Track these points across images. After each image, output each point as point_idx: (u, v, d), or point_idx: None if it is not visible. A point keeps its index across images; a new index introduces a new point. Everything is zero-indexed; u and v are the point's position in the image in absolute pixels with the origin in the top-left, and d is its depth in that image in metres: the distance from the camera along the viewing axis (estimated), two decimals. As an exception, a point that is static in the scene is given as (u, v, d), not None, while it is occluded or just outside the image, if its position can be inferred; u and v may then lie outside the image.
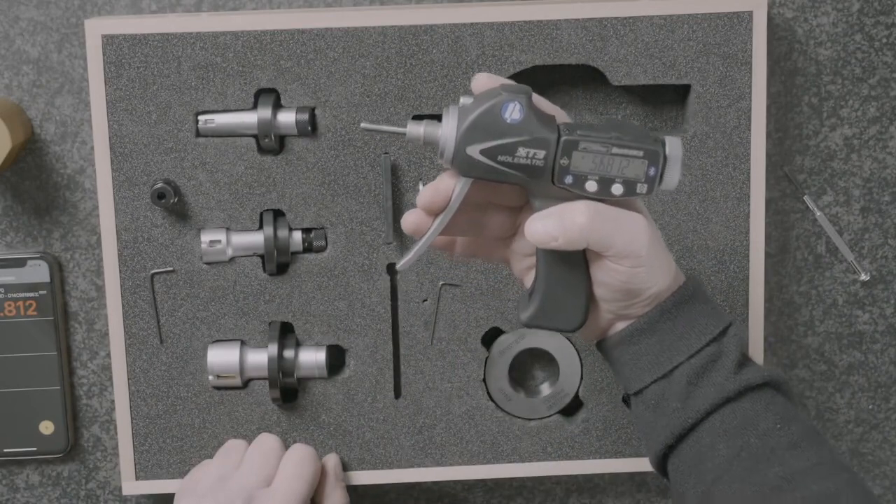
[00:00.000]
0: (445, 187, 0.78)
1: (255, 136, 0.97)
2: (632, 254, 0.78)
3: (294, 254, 0.98)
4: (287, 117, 0.96)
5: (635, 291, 0.79)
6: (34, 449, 1.03)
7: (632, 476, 1.07)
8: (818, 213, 1.04)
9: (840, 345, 1.06)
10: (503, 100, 0.76)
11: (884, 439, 1.08)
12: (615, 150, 0.77)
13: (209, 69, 0.95)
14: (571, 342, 1.01)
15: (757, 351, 1.00)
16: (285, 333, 0.99)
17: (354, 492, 1.03)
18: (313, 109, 0.97)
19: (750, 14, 0.96)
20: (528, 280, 0.83)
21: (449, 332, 1.00)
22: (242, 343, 0.99)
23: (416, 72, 0.96)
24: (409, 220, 0.80)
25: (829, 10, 1.01)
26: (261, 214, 0.98)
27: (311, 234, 0.98)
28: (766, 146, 1.01)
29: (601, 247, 0.77)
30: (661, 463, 0.83)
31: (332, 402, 1.00)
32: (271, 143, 0.96)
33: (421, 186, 0.98)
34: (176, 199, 0.95)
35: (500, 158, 0.76)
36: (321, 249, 0.99)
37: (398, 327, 1.00)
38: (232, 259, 0.98)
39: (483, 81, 0.79)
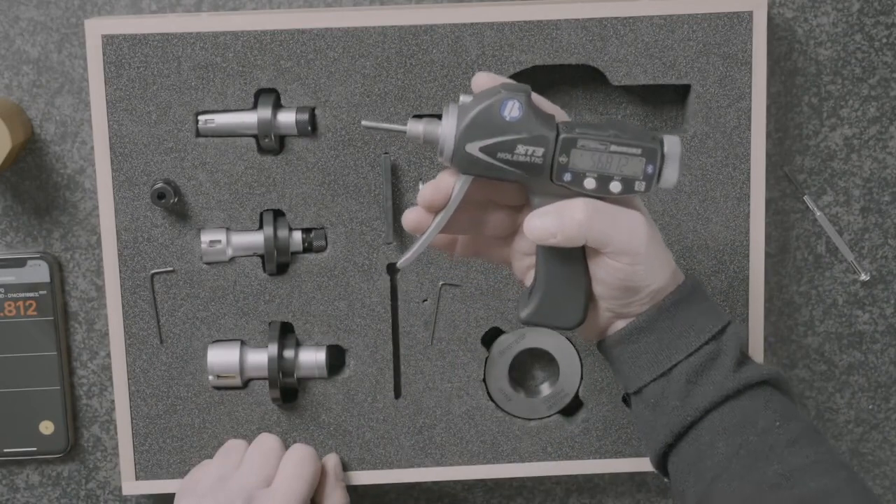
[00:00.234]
0: (445, 185, 0.79)
1: (255, 136, 0.97)
2: (630, 250, 0.78)
3: (294, 254, 0.98)
4: (287, 117, 0.96)
5: (634, 289, 0.79)
6: (34, 449, 1.03)
7: (632, 476, 1.07)
8: (818, 213, 1.04)
9: (840, 345, 1.06)
10: (502, 98, 0.77)
11: (884, 439, 1.08)
12: (613, 147, 0.77)
13: (209, 69, 0.95)
14: (571, 342, 1.01)
15: (757, 351, 1.00)
16: (285, 333, 0.99)
17: (354, 492, 1.03)
18: (313, 109, 0.97)
19: (750, 14, 0.96)
20: (529, 279, 0.84)
21: (449, 332, 1.00)
22: (242, 343, 0.99)
23: (416, 72, 0.96)
24: (410, 217, 0.80)
25: (829, 10, 1.01)
26: (261, 214, 0.98)
27: (311, 234, 0.98)
28: (766, 146, 1.01)
29: (599, 243, 0.78)
30: (662, 462, 0.83)
31: (332, 402, 1.00)
32: (271, 143, 0.96)
33: (421, 186, 0.98)
34: (176, 199, 0.95)
35: (500, 156, 0.77)
36: (321, 249, 0.99)
37: (398, 327, 1.00)
38: (232, 259, 0.98)
39: (483, 80, 0.79)
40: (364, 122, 0.81)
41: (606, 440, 1.01)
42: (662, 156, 0.78)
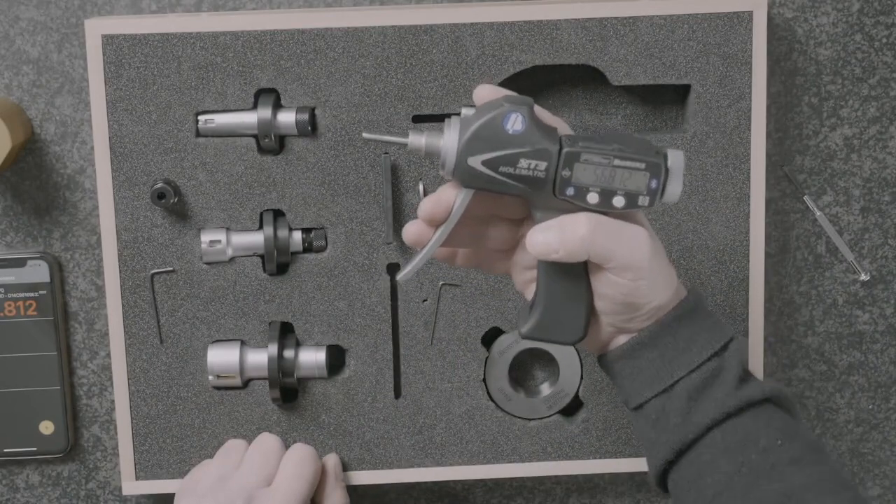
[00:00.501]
0: (447, 198, 0.78)
1: (255, 136, 0.97)
2: (633, 266, 0.77)
3: (294, 254, 0.98)
4: (287, 117, 0.96)
5: (636, 305, 0.79)
6: (34, 449, 1.03)
7: (632, 476, 1.07)
8: (818, 213, 1.04)
9: (840, 345, 1.06)
10: (505, 111, 0.76)
11: (884, 439, 1.08)
12: (617, 162, 0.76)
13: (209, 69, 0.95)
14: (571, 342, 1.01)
15: (757, 351, 1.00)
16: (285, 333, 0.99)
17: (354, 492, 1.03)
18: (313, 109, 0.97)
19: (750, 14, 0.96)
20: (530, 293, 0.83)
21: (449, 332, 1.00)
22: (242, 343, 0.99)
23: (416, 72, 0.96)
24: (411, 231, 0.80)
25: (829, 10, 1.01)
26: (261, 214, 0.98)
27: (311, 234, 0.98)
28: (766, 146, 1.01)
29: (602, 259, 0.77)
30: (662, 478, 0.83)
31: (332, 402, 1.00)
32: (271, 143, 0.96)
33: (421, 187, 0.98)
34: (176, 199, 0.95)
35: (502, 169, 0.76)
36: (321, 249, 0.99)
37: (398, 327, 1.00)
38: (232, 259, 0.98)
39: (485, 93, 0.79)
40: (365, 135, 0.80)
41: (606, 440, 1.01)
42: (666, 170, 0.77)
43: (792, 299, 1.05)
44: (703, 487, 0.79)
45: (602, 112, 1.01)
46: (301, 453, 0.96)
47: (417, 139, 0.78)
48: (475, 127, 0.76)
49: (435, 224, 0.79)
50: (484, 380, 1.01)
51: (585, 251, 0.77)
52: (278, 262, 0.98)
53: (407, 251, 0.98)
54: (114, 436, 1.05)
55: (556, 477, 1.07)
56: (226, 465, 0.95)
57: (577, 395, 1.02)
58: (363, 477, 1.01)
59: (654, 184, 0.77)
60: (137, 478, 1.00)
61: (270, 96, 0.96)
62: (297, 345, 0.99)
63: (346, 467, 1.01)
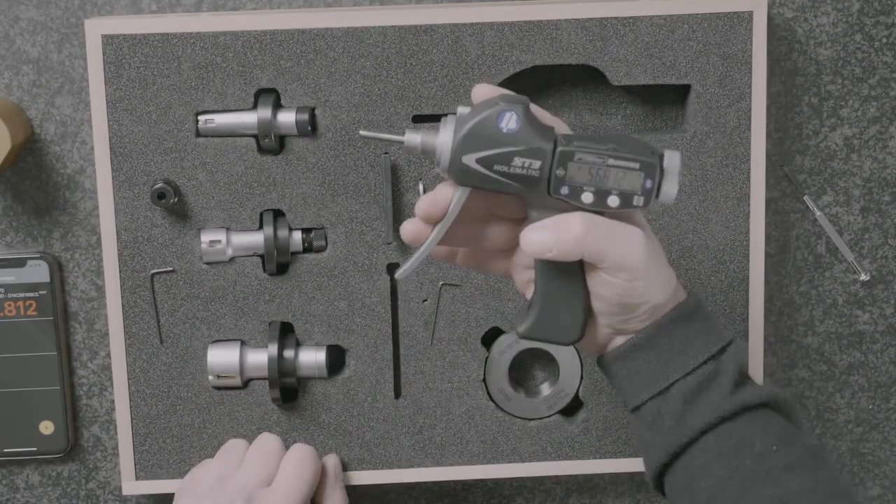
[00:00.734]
0: (444, 196, 0.78)
1: (255, 136, 0.97)
2: (627, 266, 0.77)
3: (294, 254, 0.98)
4: (287, 117, 0.96)
5: (632, 305, 0.79)
6: (34, 449, 1.03)
7: (632, 476, 1.07)
8: (818, 213, 1.04)
9: (840, 345, 1.06)
10: (500, 109, 0.76)
11: (884, 439, 1.08)
12: (611, 161, 0.76)
13: (209, 69, 0.95)
14: (571, 342, 1.01)
15: (757, 351, 1.00)
16: (285, 333, 0.99)
17: (354, 492, 1.03)
18: (313, 109, 0.97)
19: (750, 14, 0.96)
20: (530, 293, 0.83)
21: (449, 332, 1.00)
22: (242, 343, 0.99)
23: (416, 72, 0.96)
24: (408, 228, 0.80)
25: (829, 10, 1.01)
26: (261, 214, 0.98)
27: (311, 234, 0.98)
28: (766, 146, 1.01)
29: (596, 259, 0.77)
30: (658, 481, 0.83)
31: (332, 402, 1.00)
32: (271, 143, 0.96)
33: (421, 187, 0.98)
34: (176, 199, 0.95)
35: (496, 168, 0.76)
36: (321, 249, 0.99)
37: (398, 327, 1.00)
38: (232, 259, 0.98)
39: (483, 91, 0.79)
40: (362, 132, 0.80)
41: (606, 440, 1.01)
42: (661, 171, 0.77)
43: (792, 299, 1.05)
44: (697, 491, 0.79)
45: (602, 112, 1.01)
46: (301, 453, 0.96)
47: (413, 137, 0.78)
48: (470, 125, 0.76)
49: (432, 222, 0.79)
50: (484, 380, 1.01)
51: (579, 251, 0.77)
52: (278, 262, 0.98)
53: (407, 251, 0.98)
54: (114, 436, 1.05)
55: (556, 477, 1.07)
56: (226, 465, 0.95)
57: (577, 395, 1.02)
58: (363, 477, 1.01)
59: (648, 184, 0.77)
60: (137, 478, 1.00)
61: (270, 96, 0.96)
62: (297, 345, 0.99)
63: (345, 467, 1.01)
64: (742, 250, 0.99)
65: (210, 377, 0.99)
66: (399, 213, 0.98)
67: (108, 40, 0.95)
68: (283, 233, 0.98)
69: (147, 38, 0.95)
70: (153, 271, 0.98)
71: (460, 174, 0.77)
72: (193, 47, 0.95)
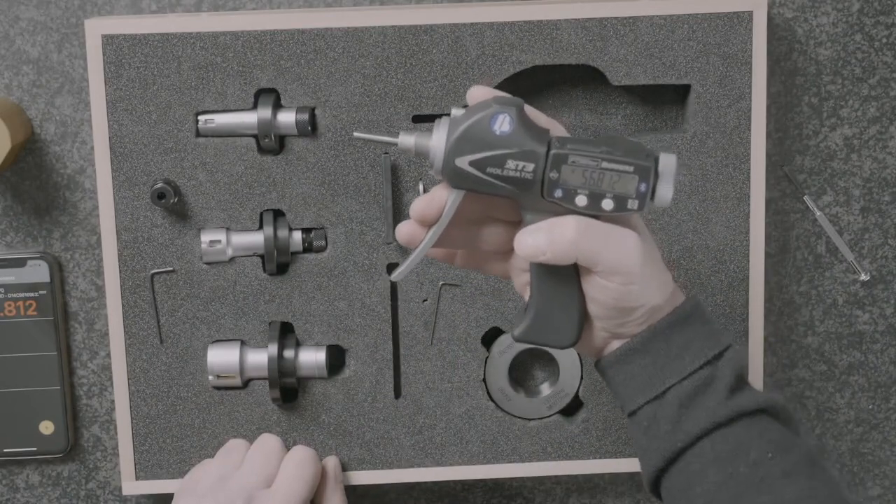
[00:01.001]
0: (439, 198, 0.78)
1: (255, 136, 0.97)
2: (622, 270, 0.77)
3: (294, 254, 0.98)
4: (287, 117, 0.96)
5: (628, 309, 0.79)
6: (34, 449, 1.03)
7: (632, 476, 1.07)
8: (818, 213, 1.04)
9: (840, 345, 1.06)
10: (493, 111, 0.76)
11: (884, 439, 1.08)
12: (605, 164, 0.76)
13: (209, 69, 0.95)
14: (571, 342, 1.01)
15: (757, 351, 1.00)
16: (285, 333, 0.99)
17: (354, 492, 1.03)
18: (313, 109, 0.97)
19: (750, 14, 0.96)
20: (528, 296, 0.83)
21: (449, 332, 1.00)
22: (242, 343, 0.99)
23: (416, 72, 0.96)
24: (404, 231, 0.80)
25: (829, 10, 1.01)
26: (261, 214, 0.98)
27: (311, 234, 0.98)
28: (766, 146, 1.01)
29: (590, 262, 0.77)
30: (655, 486, 0.82)
31: (332, 402, 1.00)
32: (271, 143, 0.96)
33: (421, 187, 0.98)
34: (176, 199, 0.95)
35: (489, 170, 0.76)
36: (321, 249, 0.99)
37: (398, 327, 1.00)
38: (232, 259, 0.98)
39: (478, 93, 0.79)
40: (356, 134, 0.80)
41: (606, 440, 1.01)
42: (656, 174, 0.77)
43: (792, 299, 1.05)
44: (693, 497, 0.78)
45: (602, 112, 1.01)
46: (302, 455, 0.96)
47: (407, 139, 0.78)
48: (463, 127, 0.76)
49: (427, 224, 0.79)
50: (484, 380, 1.01)
51: (573, 254, 0.76)
52: (278, 262, 0.98)
53: (407, 252, 0.98)
54: (114, 436, 1.05)
55: (556, 477, 1.07)
56: (226, 465, 0.95)
57: (577, 395, 1.02)
58: (363, 477, 1.01)
59: (643, 187, 0.76)
60: (137, 478, 1.00)
61: (270, 96, 0.96)
62: (297, 345, 0.99)
63: (345, 467, 1.01)
64: (742, 250, 0.99)
65: (210, 377, 0.99)
66: (399, 213, 0.98)
67: (108, 40, 0.95)
68: (283, 233, 0.98)
69: (147, 38, 0.95)
70: (153, 271, 0.98)
71: (454, 176, 0.77)
72: (193, 47, 0.95)
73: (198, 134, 0.97)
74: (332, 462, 0.99)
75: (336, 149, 0.97)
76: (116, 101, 0.96)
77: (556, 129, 0.80)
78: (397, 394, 1.01)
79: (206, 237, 0.97)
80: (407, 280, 0.99)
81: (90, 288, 1.03)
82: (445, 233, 0.79)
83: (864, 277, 1.05)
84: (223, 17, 0.96)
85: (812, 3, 1.01)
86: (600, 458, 1.02)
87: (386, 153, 0.97)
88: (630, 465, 1.02)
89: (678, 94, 1.00)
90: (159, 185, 0.95)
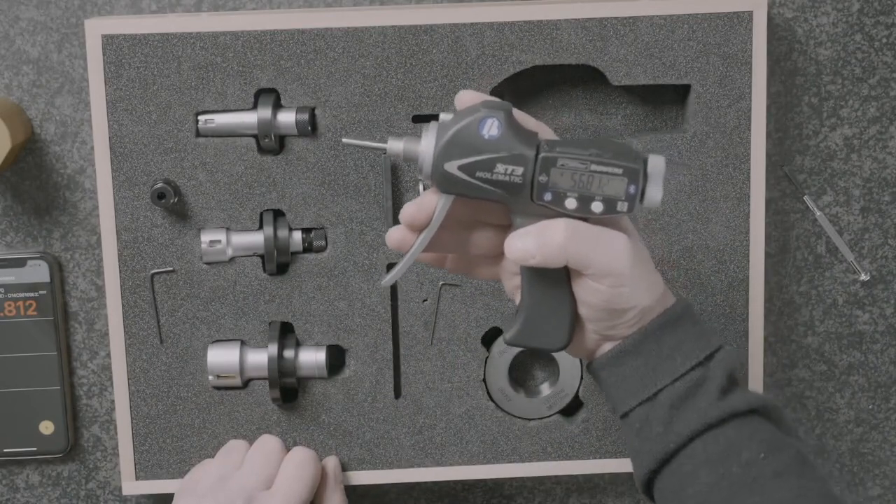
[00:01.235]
0: (428, 203, 0.78)
1: (255, 136, 0.97)
2: (612, 272, 0.77)
3: (294, 254, 0.98)
4: (287, 117, 0.96)
5: (619, 311, 0.79)
6: (34, 449, 1.03)
7: (632, 476, 1.07)
8: (818, 213, 1.04)
9: (840, 345, 1.06)
10: (481, 116, 0.76)
11: (884, 439, 1.08)
12: (594, 167, 0.76)
13: (209, 69, 0.95)
14: (571, 342, 1.01)
15: (757, 351, 1.00)
16: (285, 333, 0.99)
17: (354, 492, 1.03)
18: (313, 109, 0.97)
19: (750, 14, 0.96)
20: (519, 299, 0.83)
21: (449, 332, 1.00)
22: (242, 343, 0.99)
23: (416, 72, 0.96)
24: (394, 236, 0.80)
25: (829, 10, 1.01)
26: (261, 214, 0.98)
27: (311, 234, 0.98)
28: (766, 146, 1.01)
29: (580, 265, 0.77)
30: (647, 487, 0.82)
31: (332, 402, 1.00)
32: (271, 143, 0.96)
33: (421, 186, 0.98)
34: (176, 199, 0.95)
35: (479, 175, 0.76)
36: (321, 249, 0.99)
37: (398, 327, 1.00)
38: (232, 259, 0.98)
39: (467, 98, 0.79)
40: (344, 140, 0.80)
41: (606, 440, 1.01)
42: (645, 175, 0.77)
43: (792, 299, 1.05)
44: (685, 499, 0.78)
45: (602, 112, 1.01)
46: (302, 456, 0.96)
47: (396, 144, 0.78)
48: (451, 132, 0.76)
49: (417, 229, 0.79)
50: (484, 380, 1.01)
51: (563, 257, 0.76)
52: (278, 262, 0.98)
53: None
54: (114, 436, 1.05)
55: (556, 477, 1.07)
56: (226, 466, 0.95)
57: (577, 395, 1.02)
58: (363, 477, 1.01)
59: (632, 189, 0.76)
60: (137, 478, 1.00)
61: (270, 96, 0.96)
62: (297, 345, 0.99)
63: (345, 467, 1.01)
64: (742, 250, 0.99)
65: (210, 377, 0.99)
66: (399, 213, 0.98)
67: (108, 40, 0.95)
68: (283, 233, 0.98)
69: (147, 38, 0.95)
70: (153, 271, 0.98)
71: (443, 181, 0.77)
72: (193, 47, 0.95)
73: (198, 134, 0.97)
74: (332, 462, 0.99)
75: (336, 149, 0.97)
76: (116, 101, 0.96)
77: (545, 132, 0.80)
78: (397, 394, 1.01)
79: (206, 237, 0.97)
80: (407, 280, 0.99)
81: (90, 288, 1.03)
82: (435, 237, 0.79)
83: (864, 277, 1.05)
84: (223, 17, 0.96)
85: (812, 3, 1.01)
86: (600, 458, 1.02)
87: (385, 153, 0.97)
88: (630, 465, 1.02)
89: (678, 94, 1.00)
90: (159, 185, 0.95)
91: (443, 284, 0.99)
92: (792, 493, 0.76)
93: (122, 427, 0.99)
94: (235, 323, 0.99)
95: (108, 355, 1.03)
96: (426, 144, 0.76)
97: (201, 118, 0.96)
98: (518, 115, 0.78)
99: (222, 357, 0.98)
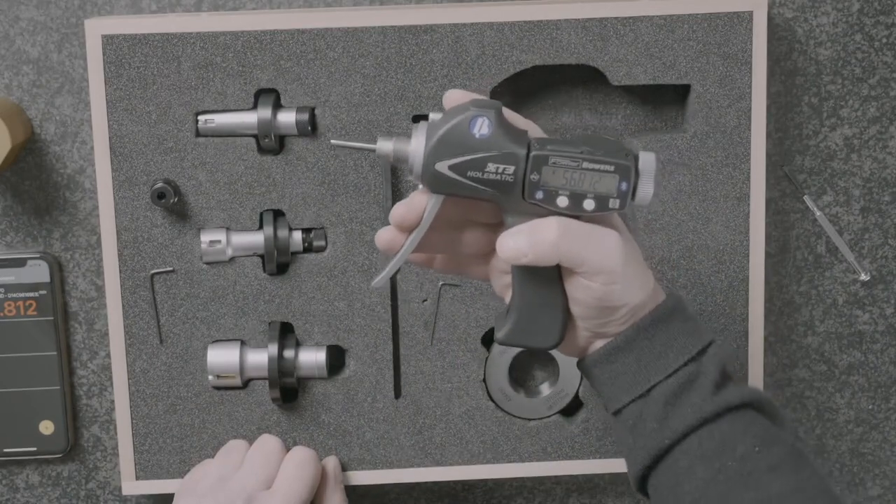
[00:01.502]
0: (418, 204, 0.78)
1: (255, 136, 0.97)
2: (604, 270, 0.77)
3: (294, 254, 0.98)
4: (287, 117, 0.96)
5: (611, 308, 0.79)
6: (34, 449, 1.03)
7: (632, 476, 1.07)
8: (818, 213, 1.04)
9: (840, 345, 1.06)
10: (471, 115, 0.76)
11: (884, 439, 1.08)
12: (586, 164, 0.76)
13: (209, 69, 0.95)
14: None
15: (757, 351, 1.00)
16: (285, 333, 0.99)
17: (354, 492, 1.03)
18: (313, 109, 0.97)
19: (750, 14, 0.96)
20: (509, 297, 0.83)
21: (449, 332, 1.00)
22: (242, 343, 0.99)
23: (416, 72, 0.96)
24: (383, 238, 0.79)
25: (829, 10, 1.01)
26: (261, 214, 0.98)
27: (311, 234, 0.98)
28: (766, 146, 1.01)
29: (573, 263, 0.77)
30: (642, 484, 0.82)
31: (332, 402, 1.00)
32: (271, 143, 0.96)
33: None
34: (176, 199, 0.96)
35: (470, 174, 0.76)
36: (321, 249, 0.99)
37: (398, 327, 1.00)
38: (232, 259, 0.98)
39: (455, 97, 0.78)
40: (332, 141, 0.80)
41: (606, 440, 1.01)
42: (637, 172, 0.77)
43: (792, 299, 1.05)
44: (681, 494, 0.78)
45: (602, 112, 1.01)
46: (302, 455, 0.96)
47: (385, 145, 0.77)
48: (442, 132, 0.76)
49: (406, 230, 0.79)
50: (484, 380, 1.01)
51: (555, 256, 0.76)
52: (278, 262, 0.98)
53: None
54: (114, 436, 1.05)
55: (556, 477, 1.07)
56: (226, 466, 0.95)
57: (577, 395, 1.02)
58: (363, 477, 1.01)
59: (623, 186, 0.76)
60: (137, 478, 1.00)
61: (270, 96, 0.96)
62: (297, 345, 0.99)
63: (345, 467, 1.01)
64: (742, 250, 0.99)
65: (210, 377, 0.99)
66: (398, 213, 0.98)
67: (108, 40, 0.95)
68: (283, 233, 0.98)
69: (147, 38, 0.95)
70: (153, 271, 0.98)
71: (433, 181, 0.76)
72: (193, 47, 0.95)
73: (198, 134, 0.97)
74: (332, 462, 0.99)
75: (336, 149, 0.97)
76: (116, 101, 0.96)
77: (534, 130, 0.80)
78: (397, 394, 1.01)
79: (206, 237, 0.97)
80: (407, 280, 0.99)
81: (90, 288, 1.03)
82: (425, 237, 0.79)
83: (864, 277, 1.05)
84: (223, 17, 0.96)
85: (812, 3, 1.01)
86: (600, 458, 1.02)
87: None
88: (630, 465, 1.02)
89: (678, 94, 1.00)
90: (159, 185, 0.95)
91: (443, 284, 1.00)
92: (788, 487, 0.76)
93: (122, 427, 0.99)
94: (235, 323, 0.99)
95: (108, 355, 1.03)
96: (416, 145, 0.76)
97: (201, 118, 0.96)
98: (507, 113, 0.78)
99: (222, 357, 0.98)
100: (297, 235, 0.98)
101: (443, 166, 0.76)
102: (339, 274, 0.99)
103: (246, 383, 1.00)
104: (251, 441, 0.98)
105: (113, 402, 1.04)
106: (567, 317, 0.81)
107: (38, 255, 1.01)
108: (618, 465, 1.02)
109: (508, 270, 0.82)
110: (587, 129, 1.01)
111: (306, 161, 0.97)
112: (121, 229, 0.97)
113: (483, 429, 1.01)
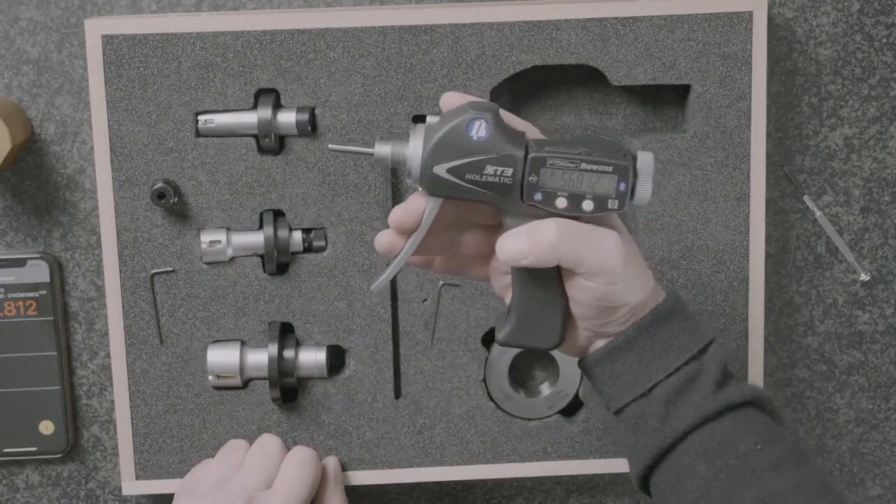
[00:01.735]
0: (416, 207, 0.78)
1: (255, 136, 0.97)
2: (604, 270, 0.77)
3: (294, 254, 0.98)
4: (287, 117, 0.96)
5: (611, 308, 0.79)
6: (34, 449, 1.03)
7: (632, 476, 1.07)
8: (818, 213, 1.04)
9: (840, 345, 1.06)
10: (469, 117, 0.75)
11: (884, 439, 1.08)
12: (584, 165, 0.76)
13: (209, 69, 0.95)
14: (571, 342, 1.01)
15: (757, 351, 1.00)
16: (285, 333, 0.99)
17: (354, 492, 1.03)
18: (313, 109, 0.97)
19: (750, 14, 0.96)
20: (509, 298, 0.83)
21: (449, 332, 1.00)
22: (242, 343, 0.99)
23: (416, 72, 0.96)
24: (382, 241, 0.79)
25: (829, 10, 1.01)
26: (261, 214, 0.98)
27: (311, 234, 0.98)
28: (766, 146, 1.01)
29: (573, 264, 0.77)
30: (644, 483, 0.82)
31: (332, 402, 1.00)
32: (271, 143, 0.96)
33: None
34: (176, 199, 0.96)
35: (468, 177, 0.76)
36: (321, 249, 0.99)
37: (398, 327, 1.00)
38: (232, 259, 0.98)
39: (452, 100, 0.78)
40: (330, 146, 0.80)
41: (606, 440, 1.01)
42: (635, 173, 0.77)
43: (792, 299, 1.05)
44: (683, 493, 0.78)
45: (602, 112, 1.01)
46: (302, 455, 0.96)
47: (383, 149, 0.77)
48: (439, 135, 0.75)
49: (405, 233, 0.79)
50: (484, 380, 1.01)
51: (555, 257, 0.76)
52: (278, 262, 0.98)
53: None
54: (114, 436, 1.05)
55: (556, 477, 1.07)
56: (226, 466, 0.95)
57: (577, 395, 1.02)
58: (363, 477, 1.01)
59: (622, 186, 0.76)
60: (137, 478, 1.00)
61: (270, 96, 0.96)
62: (297, 345, 0.99)
63: (345, 467, 1.01)
64: (742, 250, 0.99)
65: (210, 377, 0.99)
66: (398, 213, 0.98)
67: (108, 40, 0.95)
68: (283, 233, 0.98)
69: (147, 38, 0.95)
70: (153, 271, 0.98)
71: (432, 185, 0.76)
72: (193, 47, 0.95)
73: (198, 134, 0.97)
74: (332, 462, 0.99)
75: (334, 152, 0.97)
76: (116, 101, 0.96)
77: (531, 131, 0.80)
78: (397, 394, 1.01)
79: (206, 237, 0.97)
80: (407, 280, 0.99)
81: (90, 288, 1.03)
82: (424, 240, 0.78)
83: (864, 277, 1.05)
84: (223, 17, 0.96)
85: (812, 3, 1.01)
86: (600, 458, 1.02)
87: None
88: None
89: (678, 94, 1.00)
90: (159, 185, 0.95)
91: (443, 284, 1.00)
92: (790, 484, 0.76)
93: (122, 427, 0.99)
94: (235, 323, 0.99)
95: (108, 355, 1.03)
96: (414, 148, 0.76)
97: (201, 118, 0.97)
98: (505, 115, 0.78)
99: (222, 357, 0.98)
100: (297, 235, 0.98)
101: (441, 169, 0.76)
102: (339, 274, 0.99)
103: (246, 383, 1.00)
104: (251, 441, 0.98)
105: (113, 402, 1.04)
106: (567, 317, 0.81)
107: (38, 255, 1.01)
108: (618, 465, 1.02)
109: (508, 271, 0.82)
110: (587, 129, 1.01)
111: (306, 161, 0.97)
112: (121, 229, 0.97)
113: (483, 429, 1.01)
